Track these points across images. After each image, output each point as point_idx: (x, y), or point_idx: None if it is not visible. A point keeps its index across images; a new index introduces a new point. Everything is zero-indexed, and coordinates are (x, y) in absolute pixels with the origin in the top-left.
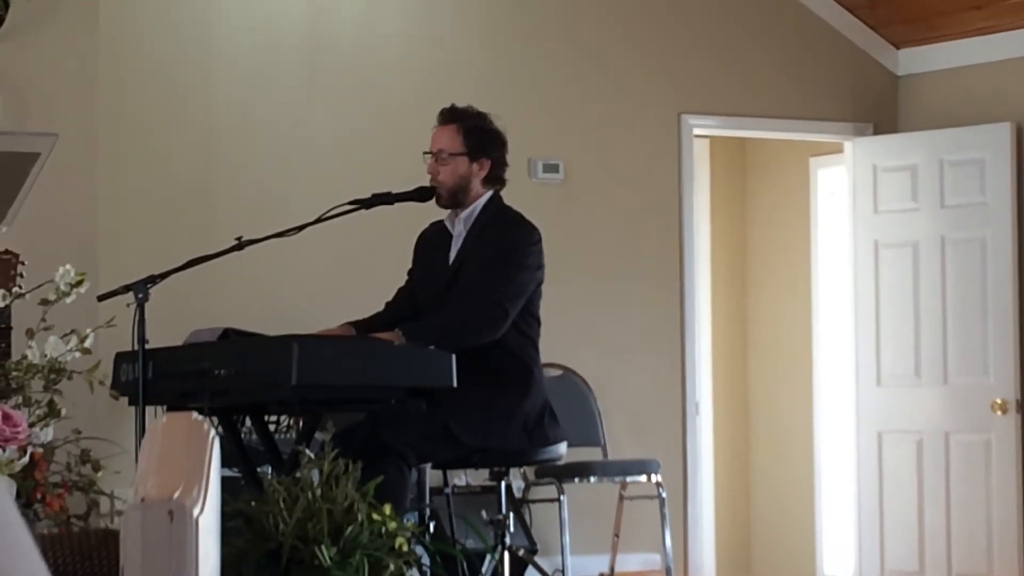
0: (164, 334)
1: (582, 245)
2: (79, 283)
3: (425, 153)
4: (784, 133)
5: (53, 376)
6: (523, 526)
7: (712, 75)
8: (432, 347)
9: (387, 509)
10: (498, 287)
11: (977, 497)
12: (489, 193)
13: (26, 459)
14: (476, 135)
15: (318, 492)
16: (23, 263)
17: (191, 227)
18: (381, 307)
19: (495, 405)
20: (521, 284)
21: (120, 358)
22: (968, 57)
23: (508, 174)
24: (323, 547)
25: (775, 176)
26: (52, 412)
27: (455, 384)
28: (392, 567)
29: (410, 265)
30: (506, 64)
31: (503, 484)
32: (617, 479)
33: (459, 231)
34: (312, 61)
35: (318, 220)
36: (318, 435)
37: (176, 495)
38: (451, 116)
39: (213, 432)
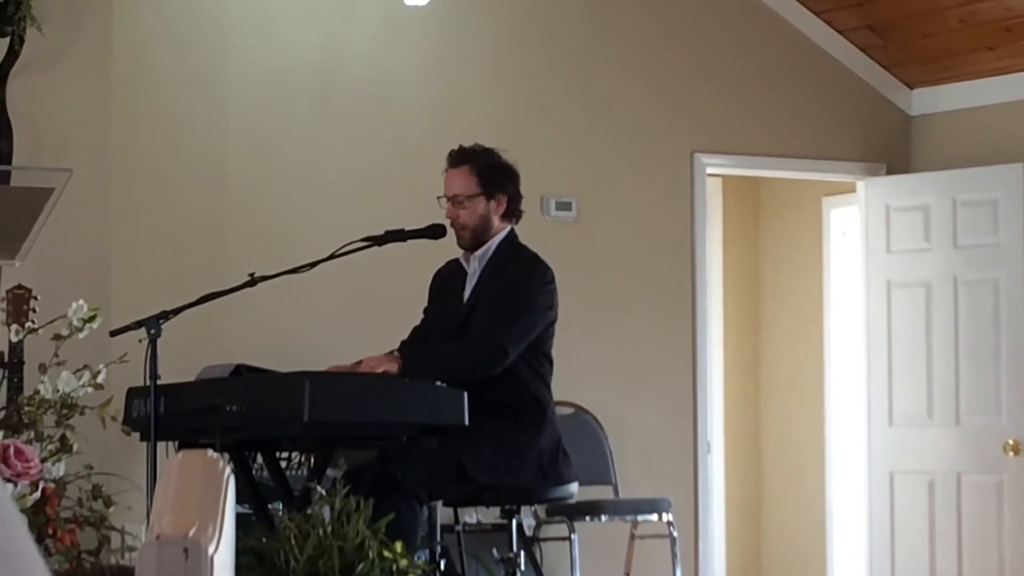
0: (176, 370)
1: (594, 283)
2: (92, 318)
3: (439, 198)
4: (797, 172)
5: (65, 411)
6: (534, 564)
7: (725, 114)
8: (438, 382)
9: (398, 546)
10: (502, 327)
11: (989, 538)
12: (505, 230)
13: (38, 494)
14: (489, 173)
15: (329, 529)
16: (36, 298)
17: (204, 263)
18: (392, 342)
19: (509, 444)
20: (526, 326)
21: (132, 394)
22: (981, 98)
23: (523, 205)
24: None
25: (788, 215)
26: (64, 447)
27: (467, 422)
28: None
29: (423, 301)
30: (519, 101)
31: (514, 522)
32: (628, 518)
33: (474, 269)
34: (326, 97)
35: (331, 257)
36: (330, 472)
37: (191, 533)
38: (461, 158)
39: (228, 470)
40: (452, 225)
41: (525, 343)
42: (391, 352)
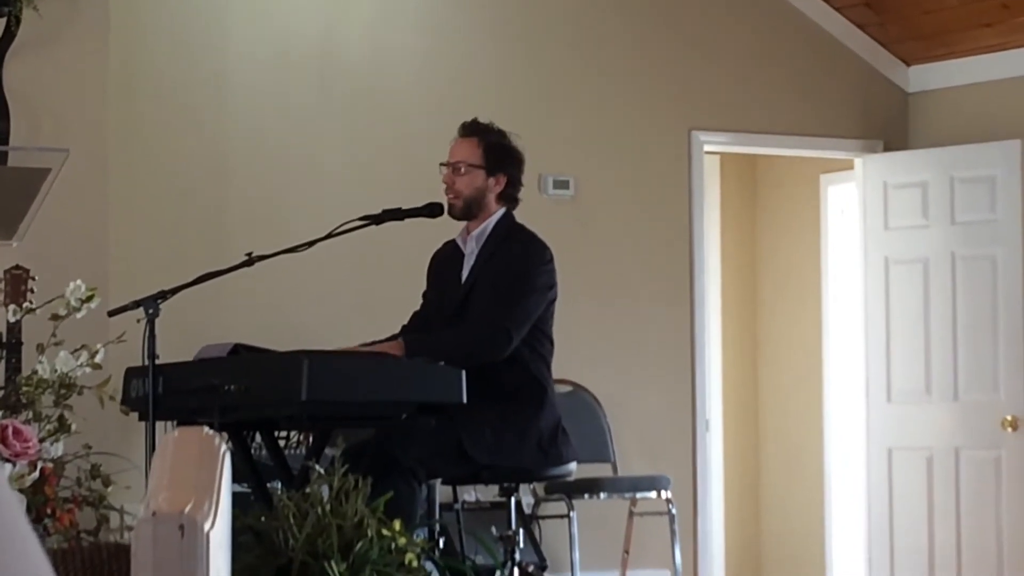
0: (174, 350)
1: (592, 261)
2: (89, 298)
3: (441, 164)
4: (794, 150)
5: (63, 391)
6: (533, 542)
7: (723, 92)
8: (440, 363)
9: (397, 525)
10: (505, 311)
11: (987, 514)
12: (501, 211)
13: (36, 474)
14: (496, 151)
15: (328, 508)
16: (34, 278)
17: (201, 243)
18: (389, 322)
19: (509, 424)
20: (529, 307)
21: (130, 373)
22: (979, 74)
23: (521, 193)
24: (333, 563)
25: (785, 193)
26: (62, 427)
27: (464, 400)
28: None
29: (422, 283)
30: (517, 80)
31: (513, 500)
32: (627, 495)
33: (471, 249)
34: (324, 78)
35: (328, 236)
36: (328, 451)
37: (187, 509)
38: (472, 130)
39: (225, 447)
40: (446, 191)
41: (529, 325)
42: (396, 339)
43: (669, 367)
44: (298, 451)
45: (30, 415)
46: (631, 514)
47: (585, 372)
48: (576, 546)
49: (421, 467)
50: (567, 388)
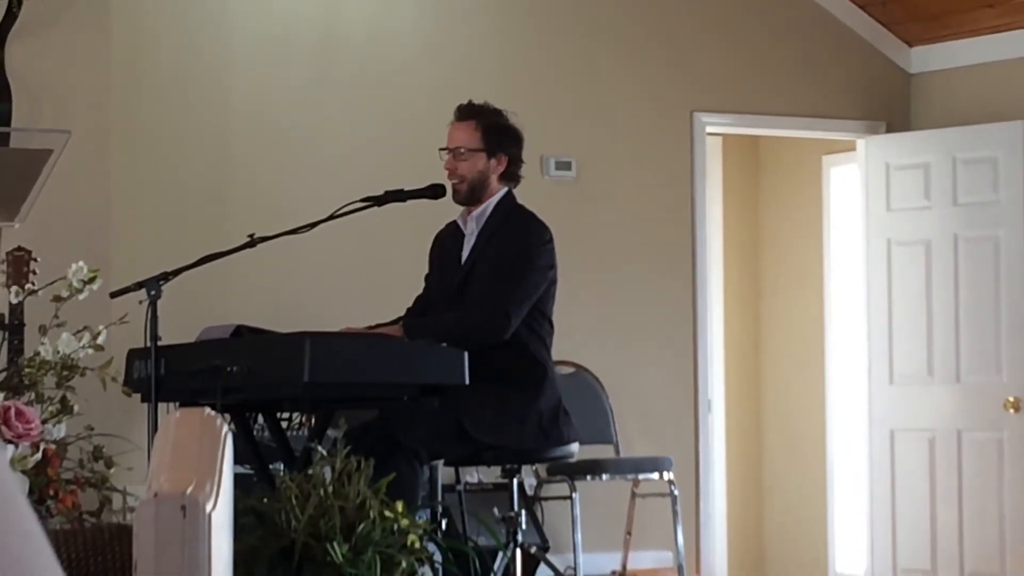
0: (176, 331)
1: (594, 242)
2: (92, 280)
3: (441, 149)
4: (797, 131)
5: (66, 373)
6: (535, 523)
7: (725, 73)
8: (443, 344)
9: (399, 506)
10: (504, 292)
11: (989, 495)
12: (503, 191)
13: (39, 455)
14: (494, 131)
15: (330, 489)
16: (36, 260)
17: (204, 224)
18: (392, 303)
19: (509, 404)
20: (529, 288)
21: (133, 355)
22: (981, 55)
23: (522, 170)
24: (335, 544)
25: (787, 174)
26: (65, 408)
27: (467, 381)
28: (404, 564)
29: (424, 264)
30: (519, 62)
31: (515, 481)
32: (629, 476)
33: (471, 230)
34: (325, 61)
35: (330, 217)
36: (330, 432)
37: (189, 490)
38: (469, 112)
39: (226, 427)
40: (449, 177)
41: (528, 305)
42: (397, 323)
43: (671, 348)
44: (300, 432)
45: (32, 396)
46: (633, 495)
47: (587, 353)
48: (578, 527)
49: (423, 448)
50: (569, 369)
